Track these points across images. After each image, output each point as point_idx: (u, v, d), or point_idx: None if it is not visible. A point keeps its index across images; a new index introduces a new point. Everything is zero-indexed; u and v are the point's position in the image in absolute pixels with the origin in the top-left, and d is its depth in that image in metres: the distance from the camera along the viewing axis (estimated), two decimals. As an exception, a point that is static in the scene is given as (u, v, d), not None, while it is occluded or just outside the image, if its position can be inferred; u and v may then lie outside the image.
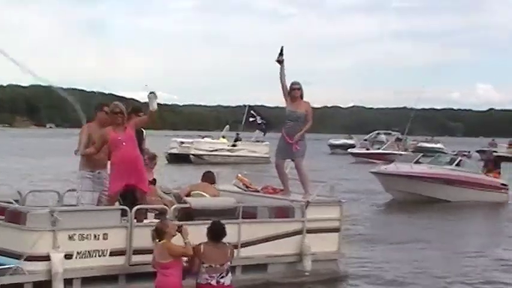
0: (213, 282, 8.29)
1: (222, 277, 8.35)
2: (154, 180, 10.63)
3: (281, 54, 10.97)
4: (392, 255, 13.65)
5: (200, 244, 8.54)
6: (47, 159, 40.67)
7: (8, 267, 8.33)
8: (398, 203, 23.85)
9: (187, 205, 9.78)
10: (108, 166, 9.53)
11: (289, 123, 11.04)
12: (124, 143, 9.43)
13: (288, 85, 11.07)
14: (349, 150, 57.18)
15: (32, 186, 14.09)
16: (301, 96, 11.11)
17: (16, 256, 8.46)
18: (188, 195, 10.40)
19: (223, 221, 9.25)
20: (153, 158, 10.73)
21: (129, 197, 9.33)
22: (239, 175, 11.84)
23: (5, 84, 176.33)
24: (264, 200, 10.91)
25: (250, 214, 10.12)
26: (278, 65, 11.02)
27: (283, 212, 10.58)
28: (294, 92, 11.04)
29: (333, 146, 72.31)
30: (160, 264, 8.31)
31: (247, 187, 11.57)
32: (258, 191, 11.48)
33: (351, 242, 14.45)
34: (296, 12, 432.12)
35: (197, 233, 9.28)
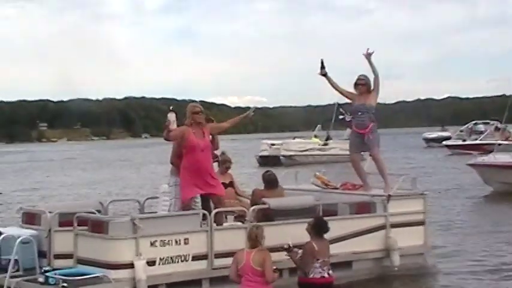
0: (326, 275, 8.79)
1: (329, 269, 8.87)
2: (231, 183, 10.66)
3: (323, 67, 11.05)
4: (487, 247, 13.14)
5: (311, 242, 8.83)
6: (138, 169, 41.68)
7: (95, 276, 8.50)
8: (498, 194, 22.95)
9: (265, 206, 9.73)
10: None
11: (360, 115, 10.94)
12: (203, 151, 9.48)
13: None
14: (444, 142, 55.67)
15: (114, 196, 14.46)
16: (369, 88, 10.97)
17: (100, 265, 8.64)
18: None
19: (303, 220, 9.32)
20: (224, 162, 10.71)
21: (205, 203, 9.35)
22: (317, 173, 11.71)
23: (100, 98, 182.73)
24: (344, 197, 10.76)
25: (330, 212, 9.98)
26: (324, 78, 11.05)
27: (364, 208, 10.41)
28: (358, 87, 10.99)
29: (427, 140, 70.53)
30: (255, 271, 8.27)
31: (326, 185, 11.44)
32: (337, 188, 11.35)
33: (445, 234, 14.10)
34: (380, 6, 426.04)
35: (277, 233, 9.35)
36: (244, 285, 8.35)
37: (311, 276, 8.87)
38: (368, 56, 10.86)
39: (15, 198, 25.54)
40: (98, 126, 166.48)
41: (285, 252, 8.99)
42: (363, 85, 10.96)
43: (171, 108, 9.52)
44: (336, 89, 11.14)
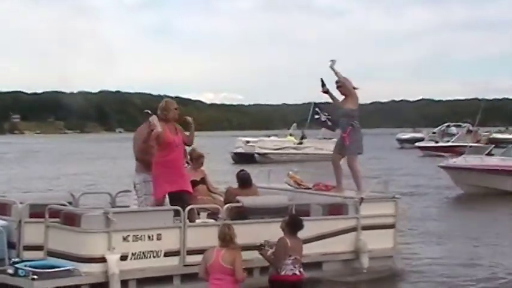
0: (297, 272, 8.82)
1: (301, 267, 8.91)
2: (203, 179, 10.68)
3: (323, 85, 11.32)
4: (455, 250, 13.33)
5: (285, 238, 8.86)
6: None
7: (66, 269, 8.47)
8: (468, 197, 23.25)
9: (239, 204, 9.77)
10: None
11: (341, 119, 11.28)
12: (177, 147, 9.48)
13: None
14: (417, 143, 56.21)
15: (86, 189, 14.39)
16: (346, 91, 11.15)
17: (72, 258, 8.60)
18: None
19: (276, 220, 9.39)
20: (198, 157, 10.75)
21: (177, 200, 9.34)
22: (290, 173, 11.79)
23: (75, 91, 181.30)
24: (317, 198, 10.84)
25: (303, 212, 10.03)
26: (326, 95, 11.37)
27: (336, 209, 10.49)
28: (337, 87, 11.25)
29: (401, 141, 71.23)
30: (224, 270, 8.30)
31: (298, 185, 11.52)
32: (309, 188, 11.43)
33: (414, 237, 14.24)
34: (355, 8, 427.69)
35: (250, 232, 9.40)
36: (211, 283, 8.38)
37: (283, 273, 8.90)
38: (331, 64, 11.11)
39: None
40: (72, 120, 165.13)
41: (258, 250, 9.06)
42: (340, 87, 11.15)
43: (149, 112, 9.42)
44: (336, 104, 11.39)
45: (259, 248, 9.07)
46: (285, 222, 9.08)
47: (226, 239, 8.40)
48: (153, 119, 9.26)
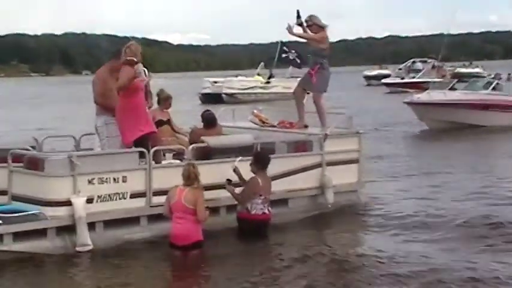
0: (266, 211, 9.23)
1: (269, 206, 9.29)
2: (169, 120, 10.68)
3: (298, 17, 11.16)
4: (419, 184, 13.58)
5: (256, 178, 9.10)
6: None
7: (31, 214, 8.48)
8: (432, 132, 23.61)
9: (204, 144, 9.79)
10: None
11: (311, 57, 11.29)
12: (142, 90, 9.43)
13: None
14: (383, 80, 56.49)
15: (51, 132, 14.23)
16: (319, 28, 11.11)
17: (37, 202, 8.60)
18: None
19: (242, 159, 9.49)
20: (166, 98, 10.73)
21: (143, 142, 9.33)
22: (255, 111, 11.83)
23: (39, 34, 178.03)
24: (281, 135, 10.90)
25: (268, 150, 10.10)
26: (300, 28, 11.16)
27: (301, 146, 10.58)
28: (308, 28, 11.17)
29: (368, 78, 71.49)
30: (186, 209, 8.40)
31: (263, 123, 11.58)
32: (274, 126, 11.49)
33: (377, 172, 14.45)
34: None
35: (215, 171, 9.48)
36: (174, 222, 8.52)
37: (253, 212, 9.15)
38: (290, 32, 11.08)
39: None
40: (37, 63, 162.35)
41: (225, 185, 9.19)
42: (309, 26, 11.11)
43: (134, 59, 9.23)
44: (309, 38, 11.21)
45: (227, 183, 9.20)
46: (253, 162, 9.24)
47: (191, 177, 8.50)
48: (139, 66, 9.17)
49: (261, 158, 9.43)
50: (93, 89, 9.69)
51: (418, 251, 8.73)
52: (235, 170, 9.40)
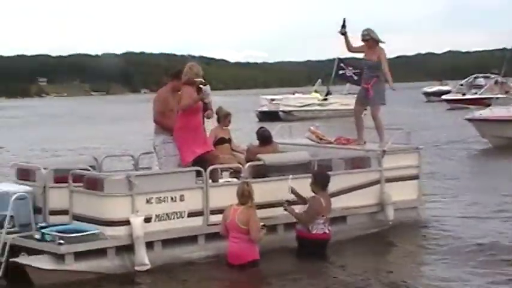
0: (327, 230, 9.19)
1: (329, 225, 9.26)
2: (229, 139, 10.69)
3: (343, 26, 11.12)
4: (480, 203, 13.15)
5: (319, 198, 9.07)
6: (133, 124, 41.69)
7: (91, 233, 8.56)
8: (494, 149, 22.98)
9: (261, 162, 9.76)
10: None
11: (365, 71, 11.22)
12: (200, 111, 9.49)
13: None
14: (443, 96, 55.53)
15: (111, 151, 14.47)
16: (373, 43, 11.03)
17: (96, 222, 8.68)
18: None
19: (297, 176, 9.43)
20: (225, 116, 10.72)
21: (201, 161, 9.33)
22: (312, 128, 11.76)
23: (99, 54, 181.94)
24: (339, 152, 10.81)
25: (325, 167, 10.00)
26: (342, 37, 11.15)
27: (359, 163, 10.47)
28: (364, 42, 11.14)
29: (427, 94, 70.44)
30: (240, 229, 8.38)
31: (320, 139, 11.49)
32: (331, 143, 11.40)
33: (439, 189, 14.17)
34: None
35: (272, 189, 9.44)
36: (230, 241, 8.53)
37: (314, 232, 9.07)
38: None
39: (14, 152, 25.63)
40: (97, 82, 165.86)
41: (285, 207, 9.14)
42: (365, 40, 11.08)
43: (202, 81, 9.34)
44: (351, 50, 11.33)
45: (286, 204, 9.16)
46: (313, 182, 9.22)
47: (244, 196, 8.48)
48: (207, 89, 9.25)
49: (321, 178, 9.37)
50: (154, 107, 9.76)
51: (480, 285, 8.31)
52: (292, 191, 9.33)
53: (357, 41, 11.30)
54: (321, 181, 9.31)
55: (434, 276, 8.53)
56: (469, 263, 9.02)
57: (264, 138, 10.47)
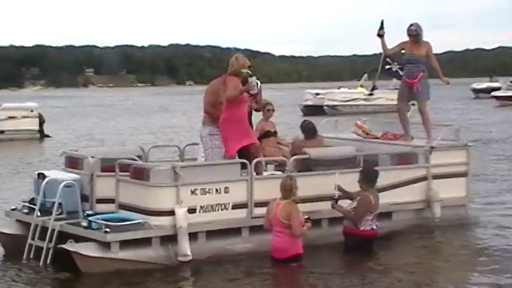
0: (374, 226, 9.16)
1: (377, 221, 9.23)
2: (275, 132, 10.65)
3: (381, 28, 11.02)
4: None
5: (369, 196, 9.05)
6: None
7: (137, 223, 8.63)
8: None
9: (306, 156, 9.70)
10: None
11: (409, 66, 11.00)
12: (246, 102, 9.49)
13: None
14: (493, 93, 54.56)
15: (156, 142, 14.62)
16: (420, 39, 10.89)
17: (142, 211, 8.75)
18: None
19: (343, 171, 9.37)
20: (264, 106, 10.56)
21: (246, 153, 9.33)
22: (358, 122, 11.64)
23: (146, 45, 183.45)
24: (385, 147, 10.68)
25: (371, 162, 9.90)
26: (379, 39, 11.05)
27: (405, 159, 10.33)
28: (410, 37, 10.94)
29: (476, 91, 69.23)
30: (282, 224, 8.36)
31: (367, 134, 11.38)
32: (378, 138, 11.28)
33: (486, 187, 13.93)
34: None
35: (317, 183, 9.38)
36: (274, 235, 8.50)
37: (362, 228, 9.08)
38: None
39: (62, 141, 26.06)
40: (143, 73, 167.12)
41: (333, 205, 9.08)
42: (414, 35, 10.89)
43: (249, 73, 9.32)
44: (388, 53, 11.34)
45: (334, 203, 9.11)
46: (362, 179, 9.19)
47: (287, 189, 8.44)
48: (253, 80, 9.24)
49: (370, 175, 9.32)
50: (205, 98, 9.76)
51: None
52: (339, 188, 9.26)
53: (399, 38, 11.17)
54: (370, 178, 9.26)
55: (480, 282, 8.27)
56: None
57: (309, 131, 10.40)
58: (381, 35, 11.02)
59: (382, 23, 11.02)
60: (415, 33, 10.87)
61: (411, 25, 10.92)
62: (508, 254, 9.28)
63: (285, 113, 38.38)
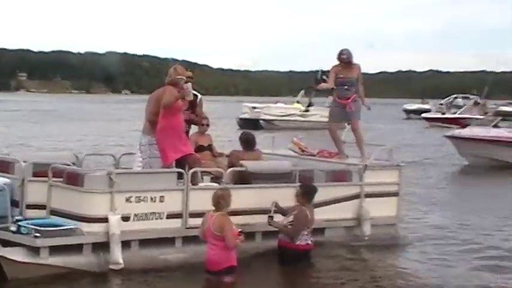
0: (309, 241, 9.24)
1: (311, 236, 9.31)
2: (210, 146, 10.66)
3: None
4: (457, 219, 13.31)
5: (305, 210, 9.11)
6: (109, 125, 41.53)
7: (68, 228, 8.49)
8: (472, 168, 23.24)
9: (243, 169, 9.74)
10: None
11: (342, 87, 11.21)
12: (182, 112, 9.48)
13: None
14: (423, 114, 56.09)
15: (90, 150, 14.46)
16: (351, 62, 11.20)
17: (74, 217, 8.61)
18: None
19: (279, 185, 9.44)
20: (201, 123, 10.67)
21: (182, 163, 9.32)
22: (294, 139, 11.77)
23: (82, 52, 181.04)
24: (320, 164, 10.82)
25: (306, 178, 10.02)
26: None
27: (340, 176, 10.47)
28: (341, 63, 11.20)
29: (407, 111, 71.18)
30: (215, 236, 8.35)
31: (302, 151, 11.52)
32: (314, 155, 11.42)
33: (416, 205, 14.26)
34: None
35: (253, 196, 9.43)
36: (208, 247, 8.45)
37: (297, 242, 9.12)
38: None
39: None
40: (78, 80, 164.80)
41: (269, 222, 9.13)
42: (344, 60, 11.15)
43: (184, 78, 9.36)
44: (331, 87, 11.36)
45: (270, 220, 9.16)
46: (301, 193, 9.22)
47: (215, 201, 8.40)
48: (189, 86, 9.25)
49: (310, 190, 9.41)
50: (147, 107, 9.69)
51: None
52: (276, 205, 9.33)
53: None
54: (309, 193, 9.34)
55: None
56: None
57: (248, 142, 10.44)
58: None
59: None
60: (346, 60, 11.16)
61: (342, 53, 11.16)
62: (429, 276, 9.34)
63: (222, 125, 38.45)
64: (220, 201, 8.42)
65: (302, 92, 50.01)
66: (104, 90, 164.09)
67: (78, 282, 8.29)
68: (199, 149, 10.36)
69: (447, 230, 12.21)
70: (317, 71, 44.85)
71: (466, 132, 24.60)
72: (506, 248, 10.90)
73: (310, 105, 46.74)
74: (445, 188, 18.59)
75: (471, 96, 56.00)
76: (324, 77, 37.58)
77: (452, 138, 24.52)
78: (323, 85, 11.50)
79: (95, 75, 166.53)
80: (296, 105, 47.53)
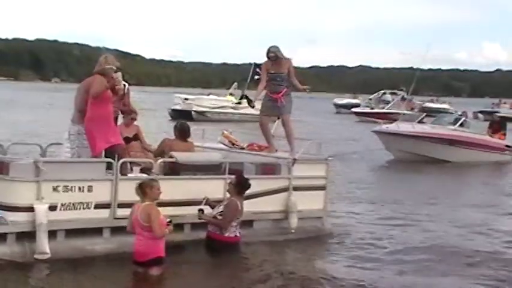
0: (238, 233, 9.35)
1: (240, 228, 9.42)
2: (136, 135, 10.61)
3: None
4: (382, 213, 13.68)
5: (236, 201, 9.18)
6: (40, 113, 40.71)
7: (-9, 217, 8.33)
8: (397, 162, 23.86)
9: (173, 160, 9.75)
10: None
11: (273, 82, 11.28)
12: (111, 101, 9.40)
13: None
14: (353, 109, 57.09)
15: (16, 138, 14.15)
16: (279, 58, 11.24)
17: (-2, 206, 8.44)
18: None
19: (209, 177, 9.48)
20: (129, 113, 10.61)
21: (111, 154, 9.24)
22: (225, 132, 11.83)
23: (10, 38, 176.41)
24: (250, 157, 10.92)
25: (236, 171, 10.09)
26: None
27: (269, 169, 10.58)
28: (271, 58, 11.25)
29: (337, 106, 72.29)
30: (142, 226, 8.31)
31: (232, 144, 11.59)
32: (243, 148, 11.52)
33: (342, 199, 14.54)
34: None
35: (182, 188, 9.44)
36: (136, 238, 8.42)
37: (226, 234, 9.18)
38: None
39: None
40: (5, 67, 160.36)
41: (199, 216, 9.17)
42: (272, 58, 11.21)
43: (113, 68, 9.27)
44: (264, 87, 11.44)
45: (200, 213, 9.19)
46: (233, 184, 9.26)
47: (142, 192, 8.37)
48: (119, 75, 9.17)
49: (243, 182, 9.48)
50: (77, 96, 9.54)
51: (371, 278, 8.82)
52: (207, 201, 9.38)
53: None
54: (242, 185, 9.42)
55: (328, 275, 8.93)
56: (365, 262, 9.62)
57: (182, 131, 10.40)
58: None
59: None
60: (274, 58, 11.22)
61: (270, 51, 11.19)
62: (351, 269, 9.52)
63: (154, 117, 38.14)
64: (146, 190, 8.38)
65: (235, 84, 50.07)
66: (33, 78, 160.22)
67: (1, 272, 8.13)
68: (125, 140, 10.27)
69: (372, 223, 12.51)
70: (250, 64, 45.11)
71: (392, 127, 25.20)
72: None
73: (242, 97, 46.67)
74: (371, 182, 18.97)
75: (399, 92, 57.36)
76: (258, 70, 37.45)
77: (379, 133, 25.07)
78: (259, 90, 11.49)
79: (23, 62, 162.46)
80: (229, 97, 47.56)
